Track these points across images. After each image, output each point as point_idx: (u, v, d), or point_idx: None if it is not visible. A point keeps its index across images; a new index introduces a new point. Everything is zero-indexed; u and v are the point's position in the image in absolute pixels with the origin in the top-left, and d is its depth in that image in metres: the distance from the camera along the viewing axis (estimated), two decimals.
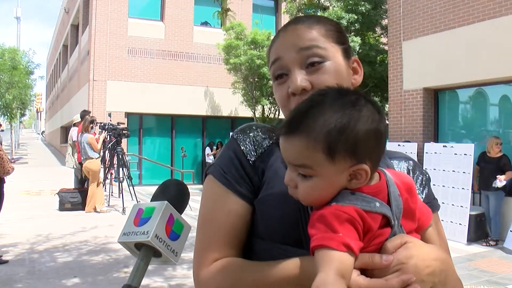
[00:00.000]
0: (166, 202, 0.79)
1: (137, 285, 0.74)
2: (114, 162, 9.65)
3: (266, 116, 14.54)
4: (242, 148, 0.92)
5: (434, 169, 7.24)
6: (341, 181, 0.74)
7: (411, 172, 1.00)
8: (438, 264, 0.78)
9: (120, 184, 9.48)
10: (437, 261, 0.78)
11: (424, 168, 1.06)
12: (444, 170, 7.20)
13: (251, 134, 0.94)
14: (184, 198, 0.86)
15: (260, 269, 0.82)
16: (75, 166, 9.59)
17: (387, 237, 0.76)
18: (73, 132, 9.76)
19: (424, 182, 1.00)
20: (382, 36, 12.64)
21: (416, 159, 1.09)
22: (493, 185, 6.55)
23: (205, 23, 16.79)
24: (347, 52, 0.94)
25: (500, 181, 6.50)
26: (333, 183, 0.74)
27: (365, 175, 0.74)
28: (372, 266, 0.72)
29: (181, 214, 0.82)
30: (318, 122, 0.73)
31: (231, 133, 14.28)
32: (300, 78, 0.88)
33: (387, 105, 10.07)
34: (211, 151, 15.23)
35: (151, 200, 0.83)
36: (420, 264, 0.75)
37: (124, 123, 10.73)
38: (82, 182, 9.38)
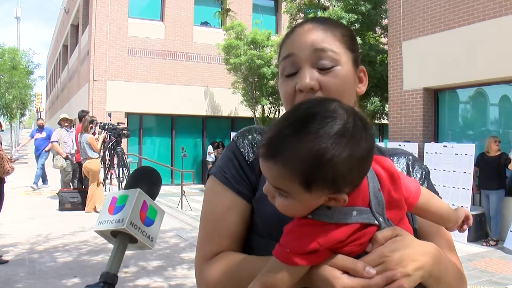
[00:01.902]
0: (139, 189, 0.80)
1: (115, 271, 0.76)
2: (114, 162, 9.66)
3: (266, 116, 14.55)
4: (241, 150, 0.96)
5: (435, 169, 7.24)
6: (317, 203, 0.74)
7: (410, 167, 1.02)
8: (428, 259, 0.78)
9: (120, 184, 9.48)
10: (426, 256, 0.78)
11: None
12: (444, 170, 7.20)
13: (249, 137, 0.98)
14: (156, 184, 0.88)
15: (256, 263, 0.84)
16: (55, 167, 9.59)
17: (371, 236, 0.76)
18: (52, 134, 9.79)
19: (423, 176, 1.02)
20: (382, 36, 12.65)
21: None
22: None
23: (205, 23, 16.80)
24: (356, 61, 0.95)
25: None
26: (309, 206, 0.74)
27: (342, 201, 0.73)
28: (353, 272, 0.73)
29: (154, 200, 0.84)
30: (297, 153, 0.69)
31: (232, 134, 14.28)
32: (309, 77, 0.89)
33: (387, 105, 10.08)
34: (213, 150, 15.23)
35: (124, 188, 0.84)
36: (406, 258, 0.75)
37: (124, 123, 10.73)
38: (81, 181, 9.39)
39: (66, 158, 9.42)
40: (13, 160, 6.63)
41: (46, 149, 11.40)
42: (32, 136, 12.40)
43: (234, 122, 17.02)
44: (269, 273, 0.75)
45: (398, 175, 0.82)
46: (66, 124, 10.02)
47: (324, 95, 0.88)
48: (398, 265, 0.74)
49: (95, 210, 8.43)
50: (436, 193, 1.01)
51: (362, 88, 0.98)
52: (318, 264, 0.75)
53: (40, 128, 12.16)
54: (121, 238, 0.78)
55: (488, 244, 6.55)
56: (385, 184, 0.80)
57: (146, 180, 0.85)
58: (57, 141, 9.43)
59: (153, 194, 0.85)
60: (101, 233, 0.80)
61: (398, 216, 0.81)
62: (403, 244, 0.76)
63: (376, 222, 0.76)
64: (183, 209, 9.40)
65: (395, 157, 1.02)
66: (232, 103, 16.07)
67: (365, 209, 0.76)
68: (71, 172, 9.67)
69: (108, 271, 0.76)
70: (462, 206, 6.82)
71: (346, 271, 0.73)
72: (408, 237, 0.79)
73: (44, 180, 12.21)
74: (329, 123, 0.70)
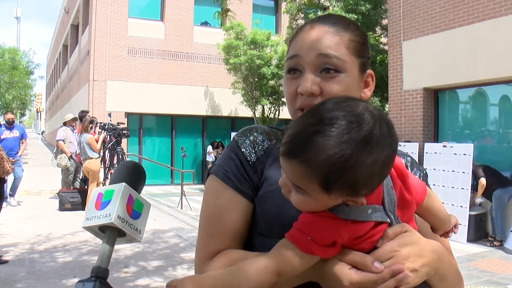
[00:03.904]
0: (124, 184, 0.81)
1: (106, 266, 0.78)
2: (114, 162, 9.65)
3: (266, 116, 14.55)
4: (242, 150, 0.96)
5: (434, 169, 7.24)
6: (334, 203, 0.74)
7: (408, 168, 1.02)
8: (434, 257, 0.79)
9: None
10: (432, 253, 0.80)
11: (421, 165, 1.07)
12: (444, 170, 7.19)
13: (251, 137, 0.97)
14: (140, 178, 0.89)
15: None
16: (58, 166, 9.58)
17: (382, 233, 0.77)
18: (58, 132, 9.75)
19: (421, 178, 1.02)
20: (382, 36, 12.65)
21: (416, 159, 1.09)
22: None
23: (205, 23, 16.80)
24: (364, 66, 0.95)
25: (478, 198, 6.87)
26: (326, 205, 0.74)
27: (360, 204, 0.73)
28: (362, 267, 0.74)
29: (139, 193, 0.85)
30: (320, 156, 0.68)
31: (232, 134, 14.17)
32: (311, 81, 0.88)
33: (387, 105, 10.08)
34: (212, 150, 15.24)
35: (109, 184, 0.86)
36: (413, 254, 0.76)
37: (124, 123, 10.73)
38: (85, 181, 9.39)
39: (70, 158, 9.41)
40: (13, 160, 6.64)
41: (20, 153, 9.05)
42: None
43: (234, 122, 17.02)
44: (282, 256, 0.74)
45: (407, 174, 0.83)
46: (74, 124, 10.01)
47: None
48: (406, 260, 0.75)
49: None
50: None
51: (368, 93, 0.98)
52: (326, 258, 0.75)
53: (10, 125, 9.10)
54: (110, 233, 0.79)
55: (492, 245, 6.53)
56: (396, 182, 0.80)
57: (131, 175, 0.86)
58: (63, 140, 9.42)
59: (138, 187, 0.86)
60: (89, 229, 0.81)
61: (407, 215, 0.82)
62: (412, 240, 0.78)
63: (388, 220, 0.77)
64: (183, 209, 9.40)
65: None
66: (232, 103, 16.07)
67: (379, 207, 0.77)
68: (74, 172, 9.66)
69: (99, 265, 0.78)
70: (462, 206, 6.84)
71: (354, 266, 0.74)
72: (416, 233, 0.80)
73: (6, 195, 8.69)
74: (355, 129, 0.69)
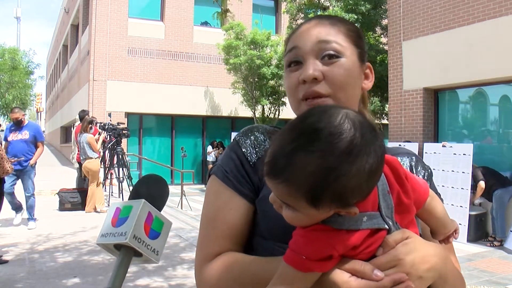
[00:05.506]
0: (143, 200, 0.76)
1: None
2: (114, 162, 9.66)
3: (266, 116, 14.55)
4: (243, 150, 0.95)
5: (434, 169, 7.22)
6: (326, 216, 0.72)
7: (413, 168, 1.01)
8: (437, 260, 0.78)
9: (120, 184, 9.48)
10: (436, 257, 0.78)
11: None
12: (443, 170, 7.19)
13: (252, 137, 0.96)
14: (163, 194, 0.84)
15: (259, 264, 0.83)
16: (76, 166, 9.61)
17: (381, 241, 0.75)
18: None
19: (426, 177, 1.01)
20: (382, 36, 12.65)
21: None
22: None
23: (205, 23, 16.81)
24: (362, 56, 0.95)
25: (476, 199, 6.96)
26: (317, 219, 0.72)
27: (353, 213, 0.71)
28: (362, 275, 0.72)
29: (160, 211, 0.80)
30: (301, 173, 0.66)
31: (232, 134, 14.11)
32: (313, 67, 0.88)
33: (387, 105, 10.08)
34: (212, 149, 15.24)
35: (129, 198, 0.80)
36: (418, 260, 0.75)
37: (124, 123, 10.74)
38: (82, 181, 9.40)
39: None
40: (13, 160, 6.61)
41: (33, 161, 7.19)
42: (5, 139, 7.20)
43: (234, 122, 17.03)
44: (283, 281, 0.73)
45: (406, 176, 0.81)
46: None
47: (327, 85, 0.88)
48: (411, 268, 0.74)
49: (95, 210, 8.44)
50: (438, 194, 1.00)
51: (369, 84, 0.99)
52: None
53: (18, 125, 7.17)
54: (125, 252, 0.74)
55: (492, 245, 6.53)
56: (394, 185, 0.78)
57: (152, 190, 0.81)
58: None
59: (160, 204, 0.80)
60: (104, 246, 0.76)
61: (407, 219, 0.80)
62: (414, 247, 0.76)
63: (386, 226, 0.75)
64: (183, 209, 9.40)
65: (398, 157, 1.01)
66: (232, 103, 16.08)
67: (375, 214, 0.75)
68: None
69: (110, 287, 0.72)
70: (461, 206, 6.84)
71: (354, 274, 0.73)
72: (417, 239, 0.78)
73: (19, 210, 7.36)
74: (334, 141, 0.66)
